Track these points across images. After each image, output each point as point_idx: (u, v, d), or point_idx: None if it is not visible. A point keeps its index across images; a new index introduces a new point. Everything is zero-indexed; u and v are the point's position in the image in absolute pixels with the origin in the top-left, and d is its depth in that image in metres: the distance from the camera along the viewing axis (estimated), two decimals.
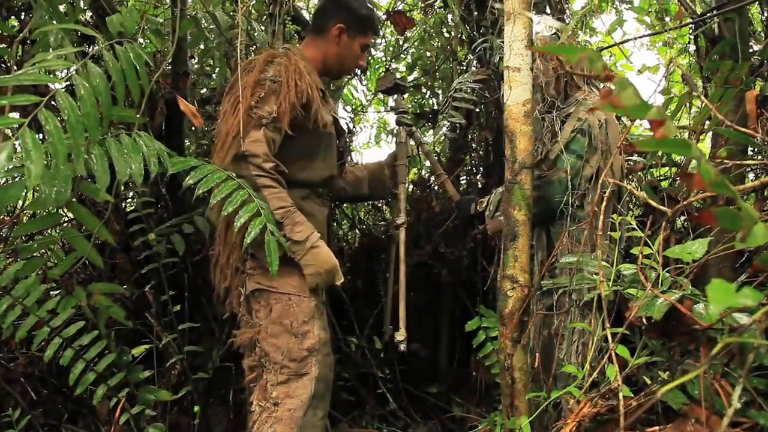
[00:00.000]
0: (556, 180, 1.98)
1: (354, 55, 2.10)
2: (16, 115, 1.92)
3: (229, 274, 1.92)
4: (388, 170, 2.42)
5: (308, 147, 1.97)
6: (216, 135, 1.91)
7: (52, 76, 1.43)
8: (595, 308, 1.97)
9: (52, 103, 1.34)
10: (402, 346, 2.16)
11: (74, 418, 2.39)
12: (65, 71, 2.14)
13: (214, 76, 3.28)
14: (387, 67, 3.92)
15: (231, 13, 2.81)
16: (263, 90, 1.82)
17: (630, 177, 3.01)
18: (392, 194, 2.43)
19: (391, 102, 3.96)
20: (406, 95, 2.49)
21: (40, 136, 1.59)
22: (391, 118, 4.35)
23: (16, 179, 1.48)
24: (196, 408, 2.25)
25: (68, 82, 1.44)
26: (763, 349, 0.93)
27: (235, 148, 1.78)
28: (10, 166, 1.47)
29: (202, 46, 2.87)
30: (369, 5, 2.17)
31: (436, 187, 3.50)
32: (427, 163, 3.65)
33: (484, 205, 2.24)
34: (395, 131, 2.47)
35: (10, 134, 1.38)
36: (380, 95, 3.90)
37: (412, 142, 2.50)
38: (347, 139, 2.28)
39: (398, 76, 2.39)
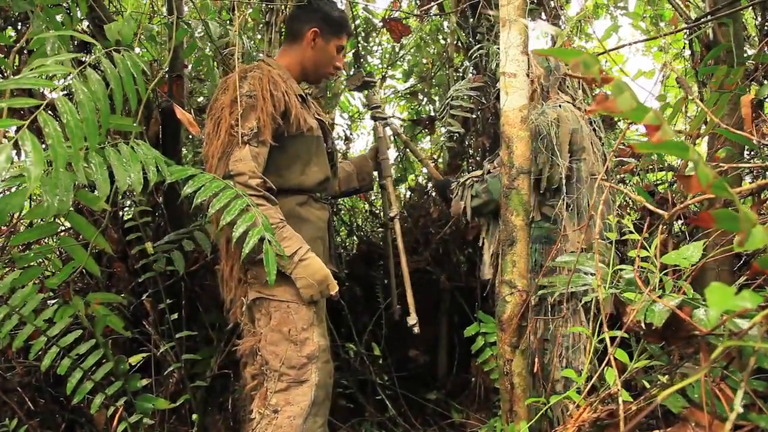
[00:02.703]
0: (498, 175, 2.10)
1: (330, 57, 2.13)
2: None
3: (233, 285, 1.93)
4: (372, 162, 2.49)
5: (298, 153, 1.97)
6: (203, 158, 1.93)
7: (50, 81, 1.42)
8: (580, 311, 2.00)
9: (49, 112, 1.34)
10: (416, 329, 2.27)
11: (72, 427, 2.38)
12: (63, 80, 2.14)
13: (208, 84, 3.28)
14: (384, 74, 3.93)
15: (227, 22, 2.82)
16: (241, 107, 1.83)
17: (626, 181, 3.02)
18: (381, 186, 2.53)
19: (361, 97, 3.99)
20: (376, 90, 2.58)
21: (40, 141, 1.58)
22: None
23: (18, 188, 1.48)
24: (194, 416, 2.24)
25: (66, 90, 1.44)
26: (764, 352, 0.92)
27: (222, 169, 1.80)
28: (7, 174, 1.47)
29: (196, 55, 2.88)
30: (339, 8, 2.20)
31: (433, 194, 3.51)
32: (424, 171, 3.66)
33: (451, 189, 2.36)
34: (373, 127, 2.54)
35: (11, 135, 1.38)
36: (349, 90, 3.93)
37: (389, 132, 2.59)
38: (334, 141, 2.30)
39: (365, 73, 2.46)
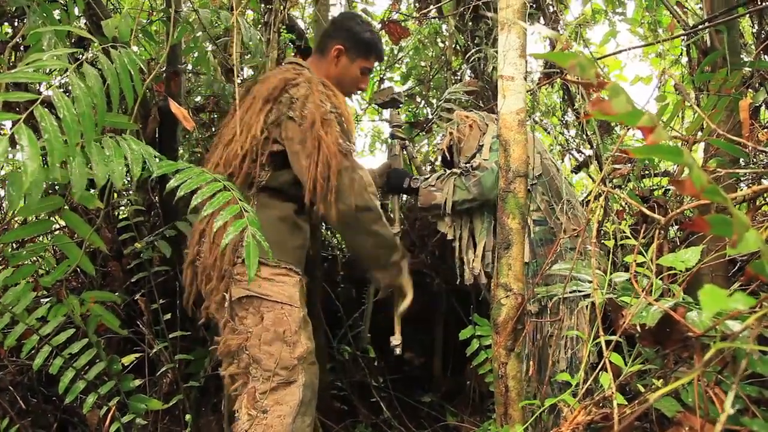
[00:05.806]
0: (489, 169, 2.18)
1: (353, 77, 2.13)
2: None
3: (214, 276, 1.88)
4: (380, 179, 2.47)
5: None
6: (302, 175, 1.85)
7: (47, 75, 1.41)
8: (581, 315, 2.01)
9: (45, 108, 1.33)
10: (398, 350, 2.24)
11: (64, 427, 2.36)
12: (59, 75, 2.14)
13: (203, 83, 3.27)
14: (381, 76, 3.94)
15: (228, 10, 2.81)
16: (335, 122, 1.84)
17: (621, 186, 3.03)
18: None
19: (386, 115, 3.99)
20: (401, 109, 2.56)
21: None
22: (385, 128, 4.38)
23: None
24: (187, 417, 2.23)
25: (62, 87, 1.43)
26: (756, 356, 0.93)
27: (356, 184, 1.85)
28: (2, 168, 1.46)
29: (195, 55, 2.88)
30: (372, 30, 2.17)
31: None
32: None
33: (419, 183, 2.35)
34: (389, 144, 2.52)
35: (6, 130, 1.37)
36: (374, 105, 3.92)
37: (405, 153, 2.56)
38: None
39: (396, 90, 2.44)
